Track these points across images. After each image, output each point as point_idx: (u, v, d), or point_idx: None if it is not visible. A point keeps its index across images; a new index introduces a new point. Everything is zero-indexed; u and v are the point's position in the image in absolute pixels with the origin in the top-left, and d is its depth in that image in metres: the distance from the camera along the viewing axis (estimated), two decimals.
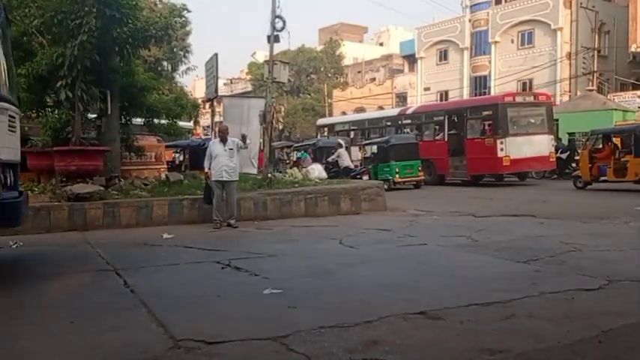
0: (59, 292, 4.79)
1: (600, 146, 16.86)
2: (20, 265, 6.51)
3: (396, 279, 5.30)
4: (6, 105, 4.98)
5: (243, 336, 3.54)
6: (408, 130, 22.44)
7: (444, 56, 41.67)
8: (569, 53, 33.92)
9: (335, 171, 18.73)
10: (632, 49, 32.89)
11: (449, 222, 9.66)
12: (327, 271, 5.73)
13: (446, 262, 6.08)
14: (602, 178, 16.26)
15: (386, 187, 14.41)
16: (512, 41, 36.66)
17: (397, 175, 18.63)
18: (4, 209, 4.84)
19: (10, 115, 5.04)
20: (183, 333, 3.58)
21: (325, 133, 27.28)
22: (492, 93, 37.12)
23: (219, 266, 5.99)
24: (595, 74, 32.20)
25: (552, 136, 20.50)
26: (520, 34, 36.53)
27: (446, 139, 20.70)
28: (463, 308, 4.13)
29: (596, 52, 32.78)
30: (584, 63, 33.55)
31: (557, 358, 3.21)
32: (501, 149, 18.61)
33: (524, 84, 36.21)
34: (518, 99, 20.74)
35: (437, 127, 21.74)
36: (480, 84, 38.60)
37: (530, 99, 21.21)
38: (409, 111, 24.73)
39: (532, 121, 20.14)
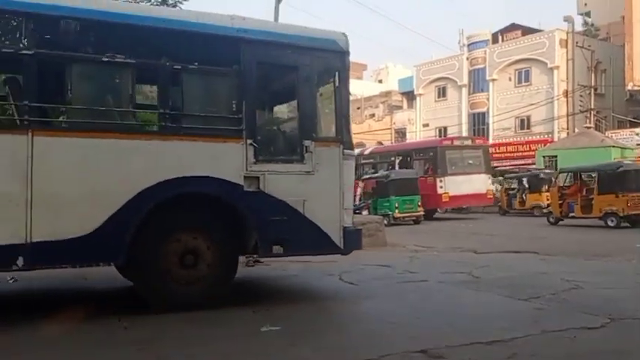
0: (56, 328, 4.73)
1: (570, 184, 18.17)
2: (17, 301, 6.45)
3: (397, 316, 5.23)
4: (354, 153, 6.34)
5: None
6: (367, 168, 24.55)
7: (442, 93, 42.16)
8: (566, 91, 34.32)
9: None
10: (629, 87, 33.33)
11: (450, 258, 9.61)
12: (327, 308, 5.67)
13: (447, 299, 6.02)
14: (571, 214, 17.14)
15: (385, 222, 14.37)
16: (510, 79, 37.15)
17: (397, 210, 18.63)
18: (357, 235, 6.16)
19: None
20: None
21: None
22: (491, 129, 37.52)
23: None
24: (592, 112, 32.54)
25: (489, 175, 23.27)
26: (517, 72, 37.03)
27: None
28: (465, 347, 4.07)
29: (592, 90, 33.19)
30: (581, 101, 33.92)
31: None
32: (441, 187, 21.14)
33: (522, 121, 36.55)
34: (456, 142, 23.98)
35: (390, 166, 23.85)
36: (478, 120, 38.95)
37: (468, 142, 24.43)
38: (367, 152, 27.48)
39: (470, 162, 22.67)
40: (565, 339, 4.30)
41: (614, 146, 27.83)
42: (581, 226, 16.50)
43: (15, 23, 4.89)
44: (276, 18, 14.03)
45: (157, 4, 11.91)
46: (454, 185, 21.11)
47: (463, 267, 8.24)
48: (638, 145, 29.57)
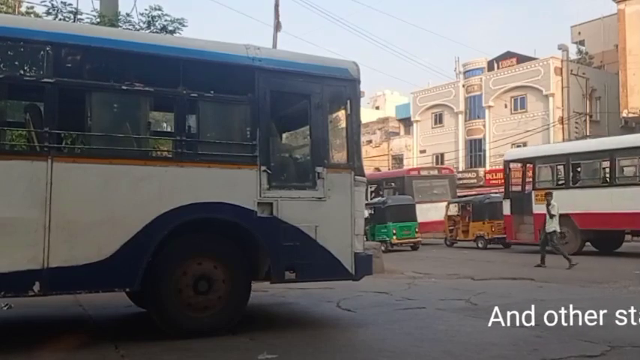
0: (51, 356, 4.68)
1: (458, 213, 21.26)
2: (12, 328, 6.39)
3: (395, 344, 5.19)
4: (364, 179, 6.43)
5: None
6: None
7: (439, 119, 42.44)
8: (562, 118, 34.59)
9: None
10: (624, 114, 33.62)
11: (447, 285, 9.56)
12: (325, 335, 5.62)
13: (445, 327, 5.97)
14: (457, 238, 20.73)
15: (383, 248, 14.34)
16: (506, 106, 37.47)
17: (394, 237, 18.60)
18: (368, 261, 6.21)
19: None
20: None
21: None
22: (488, 156, 37.69)
23: None
24: (588, 138, 32.71)
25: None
26: (513, 99, 37.36)
27: None
28: None
29: (588, 117, 33.47)
30: (576, 127, 34.17)
31: None
32: None
33: (518, 147, 36.71)
34: (423, 172, 25.35)
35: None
36: (475, 147, 39.16)
37: (434, 172, 26.00)
38: None
39: (436, 190, 24.11)
40: None
41: None
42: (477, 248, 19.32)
43: (36, 52, 4.95)
44: (274, 46, 14.23)
45: (157, 31, 12.02)
46: (421, 212, 21.66)
47: (461, 294, 8.20)
48: None
